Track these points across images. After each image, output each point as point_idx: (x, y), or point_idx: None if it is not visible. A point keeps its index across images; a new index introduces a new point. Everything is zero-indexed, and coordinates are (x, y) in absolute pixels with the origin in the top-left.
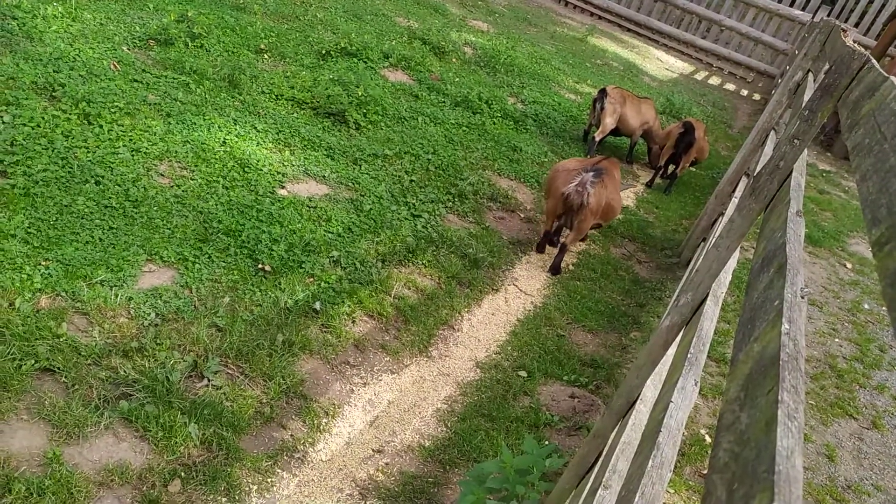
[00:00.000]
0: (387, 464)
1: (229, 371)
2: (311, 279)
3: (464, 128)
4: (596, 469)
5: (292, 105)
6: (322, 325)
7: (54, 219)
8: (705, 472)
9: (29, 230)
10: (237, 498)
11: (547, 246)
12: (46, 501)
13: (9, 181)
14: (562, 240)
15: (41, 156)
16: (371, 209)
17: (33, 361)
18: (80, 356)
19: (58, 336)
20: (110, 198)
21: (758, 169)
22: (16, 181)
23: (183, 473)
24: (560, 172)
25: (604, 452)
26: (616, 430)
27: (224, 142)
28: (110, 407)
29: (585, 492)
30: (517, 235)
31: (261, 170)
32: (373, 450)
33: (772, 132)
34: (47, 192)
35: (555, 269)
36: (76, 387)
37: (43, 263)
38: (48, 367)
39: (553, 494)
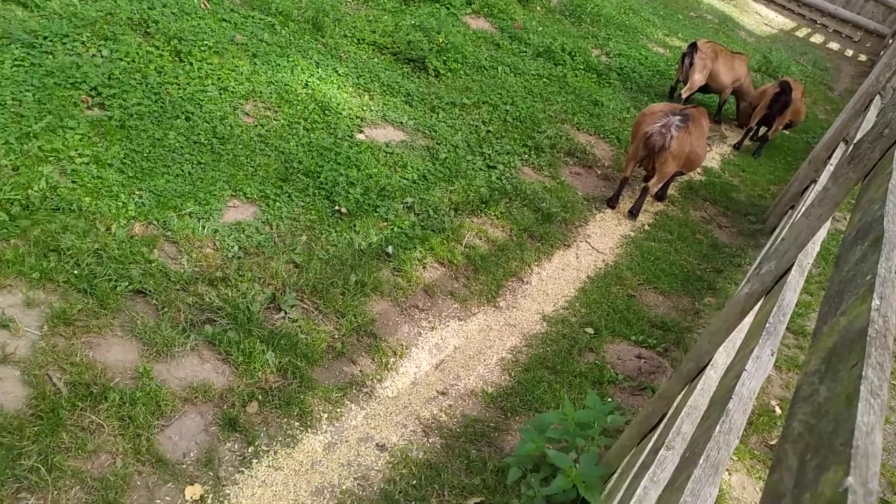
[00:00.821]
0: (450, 405)
1: (305, 306)
2: (385, 223)
3: (544, 79)
4: (659, 429)
5: (373, 49)
6: (394, 268)
7: (147, 151)
8: (772, 442)
9: (124, 161)
10: (309, 424)
11: (619, 203)
12: (137, 411)
13: (107, 113)
14: (645, 184)
15: (136, 90)
16: (447, 158)
17: (127, 283)
18: (169, 281)
19: (150, 261)
20: (199, 134)
21: (859, 136)
22: (113, 113)
23: (260, 396)
24: (647, 115)
25: (668, 414)
26: (683, 393)
27: (306, 84)
28: (196, 330)
29: (647, 450)
30: (593, 192)
31: (340, 113)
32: (437, 391)
33: (877, 97)
34: (141, 126)
35: (634, 211)
36: (165, 309)
37: (137, 193)
38: (140, 289)
39: (613, 450)
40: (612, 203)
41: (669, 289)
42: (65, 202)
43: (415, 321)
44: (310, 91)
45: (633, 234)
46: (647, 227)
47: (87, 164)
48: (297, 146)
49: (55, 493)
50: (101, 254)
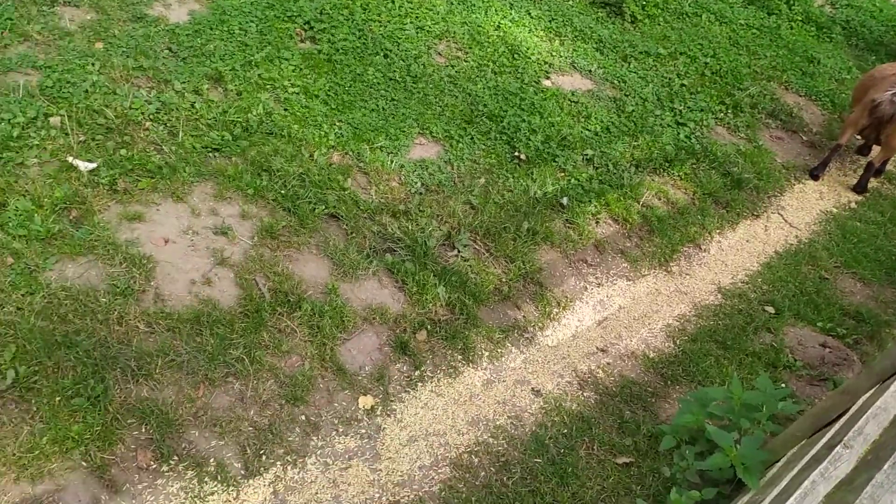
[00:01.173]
0: (608, 363)
1: (477, 247)
2: (563, 174)
3: (753, 30)
4: (837, 425)
5: None
6: (566, 220)
7: (349, 85)
8: None
9: (329, 93)
10: (471, 359)
11: (824, 174)
12: (325, 322)
13: (317, 47)
14: (868, 158)
15: (342, 26)
16: (633, 111)
17: (324, 207)
18: (359, 209)
19: (343, 189)
20: (395, 71)
21: None
22: (322, 47)
23: (429, 326)
24: (876, 79)
25: (851, 411)
26: (872, 392)
27: (498, 26)
28: (378, 257)
29: (819, 445)
30: (794, 160)
31: (529, 58)
32: (597, 347)
33: None
34: (345, 60)
35: (861, 188)
36: (353, 235)
37: (337, 124)
38: (334, 213)
39: (780, 438)
40: (815, 173)
41: (871, 276)
42: (277, 127)
43: (582, 275)
44: (501, 33)
45: (835, 210)
46: (853, 205)
47: (298, 93)
48: (484, 89)
49: (255, 382)
50: (304, 177)
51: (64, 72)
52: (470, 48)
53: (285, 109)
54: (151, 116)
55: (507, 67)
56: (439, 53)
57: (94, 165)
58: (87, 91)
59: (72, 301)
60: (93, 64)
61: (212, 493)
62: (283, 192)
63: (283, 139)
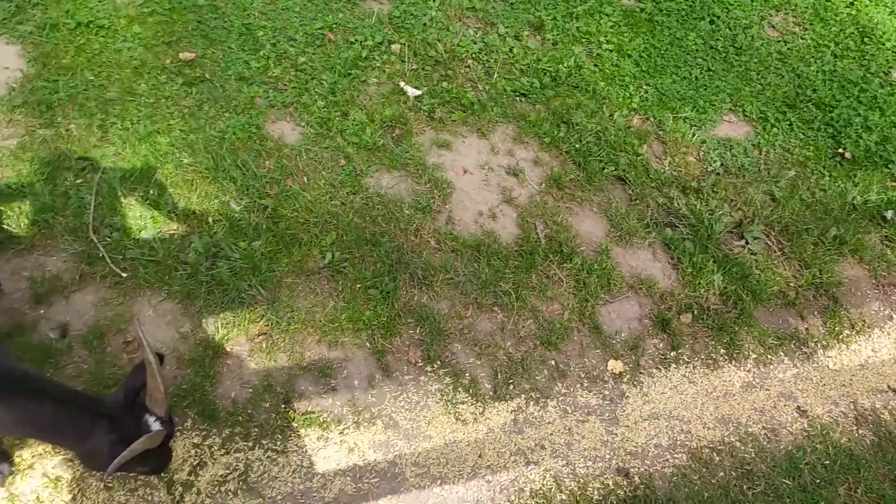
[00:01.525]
0: None
1: (769, 242)
2: (894, 183)
3: None
4: None
5: None
6: (885, 236)
7: (665, 48)
8: None
9: (642, 54)
10: (734, 356)
11: None
12: (591, 279)
13: (640, 5)
14: None
15: None
16: None
17: (613, 168)
18: (648, 177)
19: (637, 154)
20: (717, 40)
21: None
22: (645, 6)
23: (696, 311)
24: None
25: None
26: None
27: (852, 2)
28: (657, 230)
29: None
30: None
31: (883, 44)
32: (889, 386)
33: None
34: (666, 22)
35: None
36: (637, 202)
37: (644, 87)
38: (622, 176)
39: None
40: None
41: None
42: (584, 82)
43: (889, 302)
44: (853, 11)
45: None
46: None
47: (611, 51)
48: (818, 72)
49: (516, 317)
50: (600, 135)
51: (409, 4)
52: (811, 24)
53: (595, 65)
54: (473, 55)
55: (851, 51)
56: (773, 26)
57: (419, 92)
58: (425, 25)
59: (382, 207)
60: (434, 0)
61: (462, 403)
62: (577, 146)
63: (587, 94)
